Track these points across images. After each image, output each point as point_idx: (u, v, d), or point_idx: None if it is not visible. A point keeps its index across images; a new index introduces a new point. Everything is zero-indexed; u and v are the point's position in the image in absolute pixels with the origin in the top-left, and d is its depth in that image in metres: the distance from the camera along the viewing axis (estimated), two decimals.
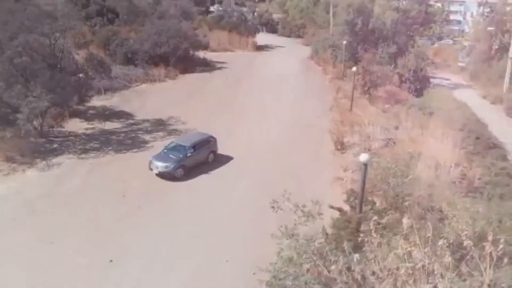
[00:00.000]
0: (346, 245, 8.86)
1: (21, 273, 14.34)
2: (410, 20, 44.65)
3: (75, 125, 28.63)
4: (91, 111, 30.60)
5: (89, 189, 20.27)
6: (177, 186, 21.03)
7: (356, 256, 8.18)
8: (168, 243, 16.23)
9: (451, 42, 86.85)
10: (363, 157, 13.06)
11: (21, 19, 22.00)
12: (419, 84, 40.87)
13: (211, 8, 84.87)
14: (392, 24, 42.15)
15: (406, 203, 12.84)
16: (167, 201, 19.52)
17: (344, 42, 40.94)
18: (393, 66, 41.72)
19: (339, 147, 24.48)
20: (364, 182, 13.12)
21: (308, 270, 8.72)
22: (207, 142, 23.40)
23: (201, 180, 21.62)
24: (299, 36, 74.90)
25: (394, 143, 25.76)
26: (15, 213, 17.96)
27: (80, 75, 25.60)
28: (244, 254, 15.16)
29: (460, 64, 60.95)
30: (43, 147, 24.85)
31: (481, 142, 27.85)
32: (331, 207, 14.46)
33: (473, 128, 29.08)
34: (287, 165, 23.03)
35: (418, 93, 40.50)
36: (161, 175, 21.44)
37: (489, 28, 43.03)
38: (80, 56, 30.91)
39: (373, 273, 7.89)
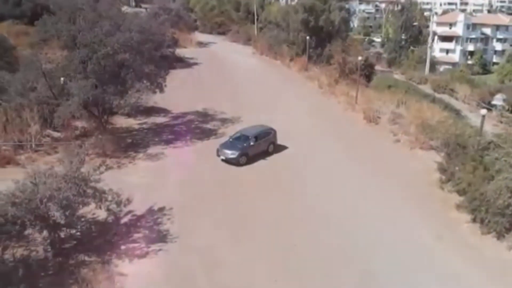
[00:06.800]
0: None
1: None
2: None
3: (122, 121, 29.56)
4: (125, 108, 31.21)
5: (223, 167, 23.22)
6: None
7: None
8: None
9: None
10: (483, 111, 19.60)
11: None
12: (367, 71, 49.72)
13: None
14: (340, 22, 50.05)
15: None
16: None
17: (308, 37, 47.40)
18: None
19: (371, 120, 30.70)
20: (482, 125, 19.64)
21: None
22: (268, 134, 25.57)
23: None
24: (220, 33, 78.98)
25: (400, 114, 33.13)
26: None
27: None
28: None
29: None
30: (122, 143, 25.73)
31: (446, 106, 37.60)
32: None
33: (437, 98, 38.68)
34: (345, 138, 28.24)
35: (368, 78, 49.35)
36: (227, 161, 23.76)
37: (414, 24, 54.39)
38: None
39: None
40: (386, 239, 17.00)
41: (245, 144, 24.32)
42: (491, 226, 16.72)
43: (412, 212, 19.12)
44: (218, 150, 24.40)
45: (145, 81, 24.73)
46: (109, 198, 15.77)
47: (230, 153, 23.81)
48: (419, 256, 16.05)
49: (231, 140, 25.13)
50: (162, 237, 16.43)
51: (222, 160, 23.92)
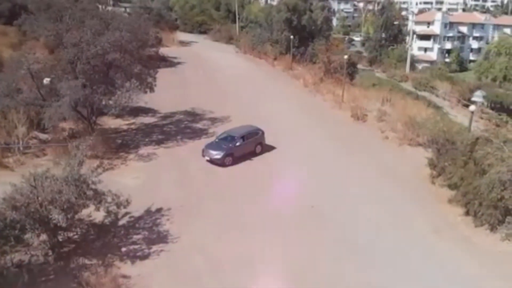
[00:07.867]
0: None
1: None
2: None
3: (110, 122, 29.04)
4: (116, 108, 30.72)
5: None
6: None
7: None
8: None
9: None
10: (472, 107, 20.19)
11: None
12: (350, 69, 50.34)
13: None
14: (322, 21, 50.58)
15: None
16: None
17: (292, 37, 47.73)
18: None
19: (358, 117, 31.16)
20: (471, 121, 20.23)
21: None
22: (255, 134, 25.15)
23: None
24: (201, 32, 78.52)
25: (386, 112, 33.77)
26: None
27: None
28: None
29: None
30: (112, 144, 25.34)
31: (430, 103, 38.56)
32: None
33: (420, 96, 39.61)
34: (334, 136, 28.55)
35: (351, 76, 49.98)
36: (212, 161, 23.36)
37: (395, 23, 55.39)
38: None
39: None
40: (383, 233, 17.36)
41: (230, 145, 23.93)
42: (484, 219, 17.25)
43: (406, 206, 19.60)
44: (203, 151, 24.02)
45: (134, 81, 24.37)
46: (109, 199, 15.57)
47: (215, 154, 23.40)
48: (415, 248, 16.46)
49: (217, 140, 24.79)
50: (162, 238, 16.31)
51: (207, 160, 23.54)
